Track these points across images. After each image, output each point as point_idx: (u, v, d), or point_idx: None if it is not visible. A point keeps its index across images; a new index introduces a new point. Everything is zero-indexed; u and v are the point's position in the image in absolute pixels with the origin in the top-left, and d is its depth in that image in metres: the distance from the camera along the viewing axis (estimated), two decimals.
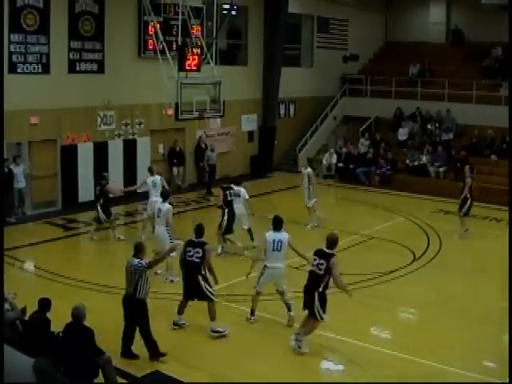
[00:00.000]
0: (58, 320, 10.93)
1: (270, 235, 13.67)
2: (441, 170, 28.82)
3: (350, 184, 29.80)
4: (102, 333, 11.30)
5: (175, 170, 27.44)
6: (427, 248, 20.06)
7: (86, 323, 10.46)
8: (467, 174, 21.84)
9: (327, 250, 12.41)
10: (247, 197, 19.50)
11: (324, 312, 12.42)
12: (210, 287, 13.34)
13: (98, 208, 19.96)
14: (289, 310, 13.96)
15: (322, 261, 12.31)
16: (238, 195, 19.21)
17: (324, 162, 31.25)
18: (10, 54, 21.33)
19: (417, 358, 12.43)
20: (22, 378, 9.19)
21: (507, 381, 10.77)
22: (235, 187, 19.42)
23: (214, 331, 13.36)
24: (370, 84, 34.99)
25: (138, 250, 12.25)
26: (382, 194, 28.04)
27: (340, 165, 30.92)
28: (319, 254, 12.46)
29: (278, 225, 13.77)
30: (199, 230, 13.54)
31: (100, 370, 10.43)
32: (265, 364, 12.31)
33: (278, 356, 12.72)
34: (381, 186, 29.17)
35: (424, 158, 29.41)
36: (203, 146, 28.01)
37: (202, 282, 13.19)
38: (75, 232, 21.35)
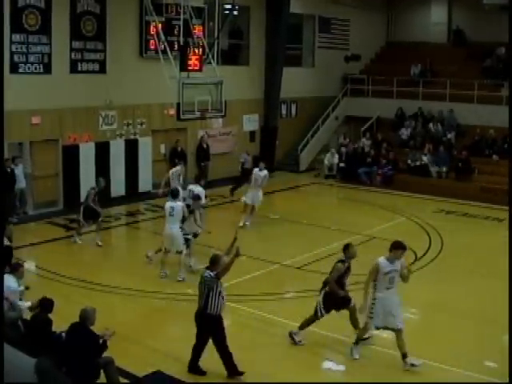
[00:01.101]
0: (60, 320, 10.96)
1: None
2: (444, 169, 28.79)
3: (351, 184, 29.78)
4: None
5: None
6: (429, 248, 20.07)
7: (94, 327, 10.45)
8: None
9: None
10: (203, 201, 19.15)
11: None
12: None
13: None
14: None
15: None
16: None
17: (326, 161, 31.31)
18: (12, 54, 21.35)
19: (420, 359, 12.41)
20: (23, 378, 9.19)
21: (507, 381, 10.76)
22: (192, 187, 19.37)
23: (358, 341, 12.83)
24: (372, 84, 35.00)
25: (213, 262, 11.66)
26: (383, 194, 28.02)
27: (342, 165, 30.92)
28: None
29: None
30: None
31: (102, 371, 10.42)
32: (265, 364, 12.31)
33: (278, 356, 12.73)
34: (382, 186, 29.13)
35: (425, 158, 29.39)
36: (205, 145, 28.01)
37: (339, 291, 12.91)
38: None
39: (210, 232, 18.49)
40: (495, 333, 13.96)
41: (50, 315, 10.92)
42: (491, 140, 29.56)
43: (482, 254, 20.06)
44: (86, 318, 10.35)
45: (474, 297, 16.07)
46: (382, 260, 12.43)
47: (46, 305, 10.96)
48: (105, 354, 10.44)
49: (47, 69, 22.54)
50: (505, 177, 26.26)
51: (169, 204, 16.85)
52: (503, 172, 26.38)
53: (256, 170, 22.44)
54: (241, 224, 21.27)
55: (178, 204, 16.71)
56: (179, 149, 27.20)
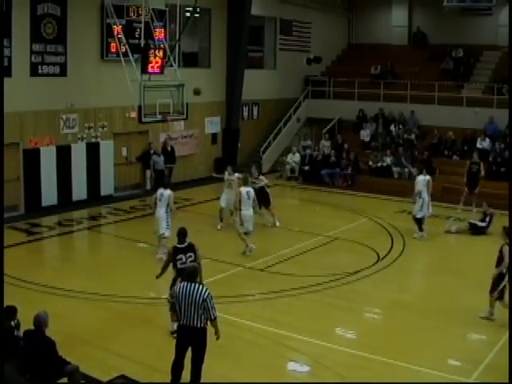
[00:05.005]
0: (24, 326, 10.84)
1: None
2: (405, 170, 28.93)
3: (313, 185, 29.87)
4: (67, 338, 11.22)
5: (148, 172, 27.40)
6: (391, 248, 20.17)
7: (50, 330, 10.33)
8: None
9: None
10: (171, 201, 18.41)
11: None
12: None
13: None
14: None
15: None
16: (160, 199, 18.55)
17: (288, 160, 31.41)
18: None
19: (384, 358, 12.48)
20: None
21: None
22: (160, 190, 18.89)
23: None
24: (333, 86, 35.15)
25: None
26: (345, 196, 28.16)
27: (306, 168, 30.94)
28: None
29: None
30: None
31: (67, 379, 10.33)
32: (230, 367, 12.31)
33: (243, 358, 12.73)
34: (345, 187, 29.29)
35: (388, 160, 29.58)
36: (169, 148, 27.89)
37: None
38: (38, 237, 21.16)
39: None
40: (460, 331, 14.10)
41: (13, 323, 10.76)
42: (451, 141, 29.83)
43: (444, 253, 20.26)
44: (41, 323, 10.21)
45: (436, 296, 16.20)
46: (242, 189, 18.63)
47: (9, 313, 10.77)
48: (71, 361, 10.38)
49: (7, 72, 22.24)
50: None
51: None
52: (463, 172, 26.63)
53: (226, 174, 22.31)
54: (218, 227, 21.89)
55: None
56: (152, 151, 27.12)
